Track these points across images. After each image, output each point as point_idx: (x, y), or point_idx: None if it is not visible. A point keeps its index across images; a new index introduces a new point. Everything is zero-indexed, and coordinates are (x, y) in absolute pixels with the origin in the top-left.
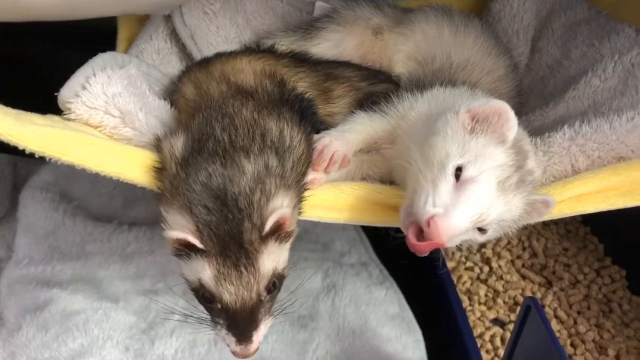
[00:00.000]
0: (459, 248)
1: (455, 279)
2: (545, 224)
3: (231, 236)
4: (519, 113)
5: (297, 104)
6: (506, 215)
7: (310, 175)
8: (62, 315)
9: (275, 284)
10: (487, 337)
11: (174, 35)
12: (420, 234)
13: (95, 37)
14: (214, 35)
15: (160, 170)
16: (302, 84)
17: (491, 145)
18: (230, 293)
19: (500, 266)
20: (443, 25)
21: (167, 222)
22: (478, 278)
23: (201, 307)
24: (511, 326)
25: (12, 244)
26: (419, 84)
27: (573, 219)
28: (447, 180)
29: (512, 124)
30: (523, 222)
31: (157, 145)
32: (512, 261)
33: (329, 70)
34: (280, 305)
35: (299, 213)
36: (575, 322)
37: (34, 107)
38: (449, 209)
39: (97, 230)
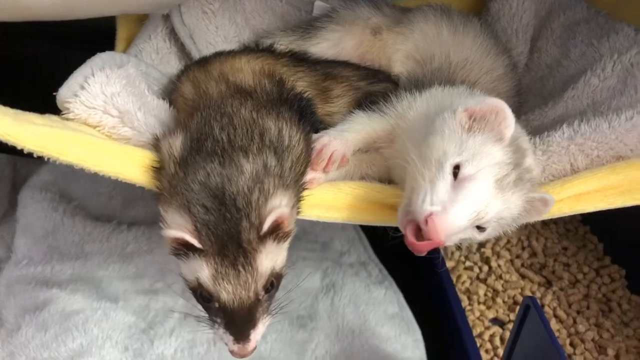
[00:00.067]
0: (458, 247)
1: (454, 279)
2: (545, 223)
3: (229, 235)
4: (518, 112)
5: (296, 103)
6: (505, 213)
7: (309, 175)
8: (62, 315)
9: (273, 283)
10: (486, 336)
11: (173, 35)
12: (419, 233)
13: (94, 37)
14: (213, 34)
15: (158, 170)
16: (301, 83)
17: (489, 143)
18: (228, 292)
19: (499, 265)
20: (442, 24)
21: (166, 222)
22: (477, 277)
23: (200, 306)
24: (510, 326)
25: (12, 244)
26: (418, 84)
27: (572, 218)
28: (445, 178)
29: (509, 121)
30: (522, 221)
31: (155, 145)
32: (512, 260)
33: (328, 69)
34: (278, 305)
35: (298, 212)
36: (575, 322)
37: (33, 106)
38: (447, 207)
39: (97, 230)
